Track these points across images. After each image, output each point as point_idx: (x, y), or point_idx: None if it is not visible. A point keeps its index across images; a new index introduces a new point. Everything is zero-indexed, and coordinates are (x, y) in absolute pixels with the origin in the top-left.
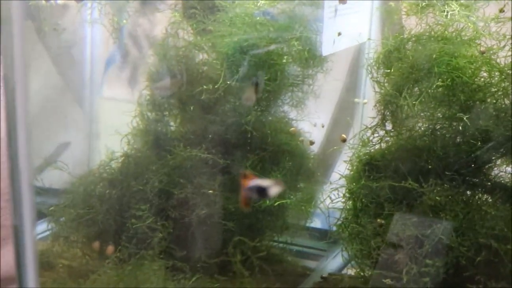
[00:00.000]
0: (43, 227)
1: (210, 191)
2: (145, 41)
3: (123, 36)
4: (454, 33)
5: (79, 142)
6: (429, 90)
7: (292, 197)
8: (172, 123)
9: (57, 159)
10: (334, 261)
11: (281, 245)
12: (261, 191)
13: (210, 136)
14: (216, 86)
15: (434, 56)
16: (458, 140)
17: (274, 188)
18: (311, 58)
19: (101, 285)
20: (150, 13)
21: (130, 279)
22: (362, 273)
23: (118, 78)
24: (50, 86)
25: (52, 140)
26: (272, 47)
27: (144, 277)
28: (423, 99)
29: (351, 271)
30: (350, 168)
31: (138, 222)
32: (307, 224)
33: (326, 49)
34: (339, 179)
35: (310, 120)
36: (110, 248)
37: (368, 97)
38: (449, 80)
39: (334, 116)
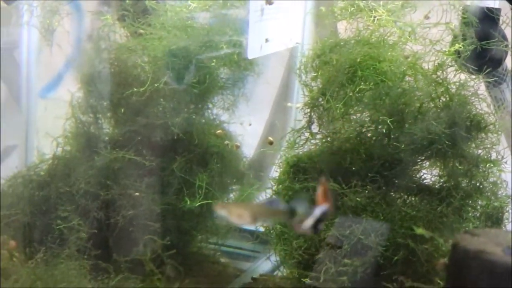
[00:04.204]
0: None
1: (136, 193)
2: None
3: (80, 41)
4: (379, 38)
5: (19, 145)
6: (354, 94)
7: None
8: (105, 126)
9: (2, 161)
10: (268, 263)
11: (213, 246)
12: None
13: (139, 138)
14: (143, 89)
15: (358, 60)
16: (383, 143)
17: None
18: (241, 61)
19: (20, 285)
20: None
21: (47, 278)
22: (292, 274)
23: (69, 82)
24: None
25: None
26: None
27: (61, 276)
28: (349, 102)
29: (282, 273)
30: (277, 170)
31: (62, 223)
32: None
33: (252, 53)
34: (266, 180)
35: (240, 120)
36: (12, 243)
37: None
38: (372, 84)
39: (269, 120)
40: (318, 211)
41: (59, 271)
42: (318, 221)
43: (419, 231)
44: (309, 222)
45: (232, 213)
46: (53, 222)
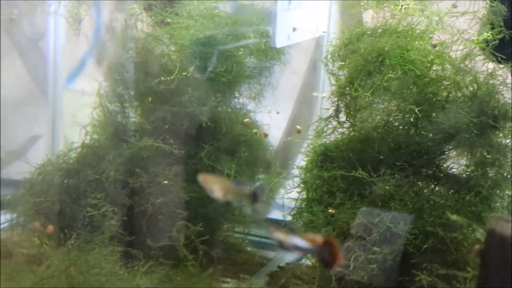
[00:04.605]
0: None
1: (165, 182)
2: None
3: (99, 31)
4: (407, 27)
5: (45, 135)
6: (382, 83)
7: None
8: (132, 115)
9: (26, 151)
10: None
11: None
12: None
13: (166, 126)
14: (171, 78)
15: (386, 48)
16: (410, 132)
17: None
18: (268, 51)
19: (53, 270)
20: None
21: (81, 263)
22: (316, 263)
23: (90, 73)
24: (18, 80)
25: (20, 133)
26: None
27: (94, 262)
28: (376, 91)
29: (309, 262)
30: (305, 159)
31: (92, 210)
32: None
33: (279, 42)
34: (292, 169)
35: (266, 109)
36: (50, 228)
37: (328, 91)
38: (401, 72)
39: (294, 109)
40: (301, 243)
41: (92, 257)
42: (290, 248)
43: (454, 217)
44: (276, 235)
45: (207, 184)
46: (83, 209)
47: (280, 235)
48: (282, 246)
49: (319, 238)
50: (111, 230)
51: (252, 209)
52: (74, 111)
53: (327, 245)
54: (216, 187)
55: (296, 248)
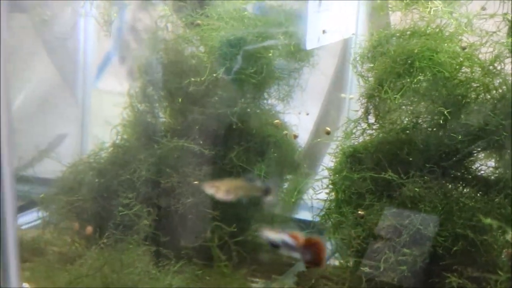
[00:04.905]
0: (34, 216)
1: (195, 182)
2: (144, 32)
3: (122, 28)
4: (436, 29)
5: (73, 133)
6: (411, 85)
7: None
8: (161, 115)
9: (53, 150)
10: None
11: None
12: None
13: (197, 127)
14: (202, 79)
15: (416, 51)
16: (439, 133)
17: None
18: (297, 52)
19: (87, 269)
20: (151, 4)
21: (115, 262)
22: (345, 264)
23: (113, 71)
24: (46, 79)
25: (49, 131)
26: (262, 44)
27: (128, 261)
28: (405, 93)
29: (336, 262)
30: (333, 160)
31: (124, 210)
32: (294, 216)
33: (310, 43)
34: (321, 170)
35: (295, 110)
36: (89, 229)
37: (355, 93)
38: (430, 74)
39: (321, 111)
40: (286, 238)
41: (126, 256)
42: (276, 245)
43: (487, 221)
44: (268, 234)
45: (219, 190)
46: (115, 209)
47: (270, 234)
48: (273, 244)
49: (305, 238)
50: (145, 230)
51: (264, 202)
52: (101, 110)
53: (312, 245)
54: (225, 188)
55: (286, 246)
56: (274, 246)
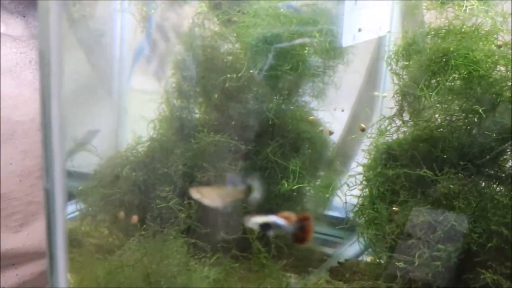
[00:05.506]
0: (72, 208)
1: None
2: (172, 31)
3: (151, 26)
4: (472, 28)
5: (108, 130)
6: (446, 83)
7: (311, 183)
8: (196, 111)
9: (86, 145)
10: (352, 248)
11: None
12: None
13: (233, 122)
14: (239, 75)
15: (451, 49)
16: (473, 131)
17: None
18: (332, 50)
19: (126, 260)
20: (178, 4)
21: (154, 254)
22: (377, 260)
23: (145, 70)
24: (82, 75)
25: (83, 126)
26: (298, 41)
27: (167, 252)
28: (440, 91)
29: (367, 258)
30: (367, 157)
31: (162, 202)
32: (326, 212)
33: (346, 41)
34: (356, 166)
35: (331, 107)
36: (135, 218)
37: (388, 90)
38: (465, 73)
39: (354, 108)
40: (275, 219)
41: (165, 247)
42: (268, 226)
43: None
44: (257, 220)
45: (205, 196)
46: (152, 201)
47: (259, 219)
48: (263, 227)
49: (293, 216)
50: (186, 222)
51: (249, 201)
52: (136, 109)
53: (301, 221)
54: (211, 196)
55: (276, 226)
56: (265, 228)
